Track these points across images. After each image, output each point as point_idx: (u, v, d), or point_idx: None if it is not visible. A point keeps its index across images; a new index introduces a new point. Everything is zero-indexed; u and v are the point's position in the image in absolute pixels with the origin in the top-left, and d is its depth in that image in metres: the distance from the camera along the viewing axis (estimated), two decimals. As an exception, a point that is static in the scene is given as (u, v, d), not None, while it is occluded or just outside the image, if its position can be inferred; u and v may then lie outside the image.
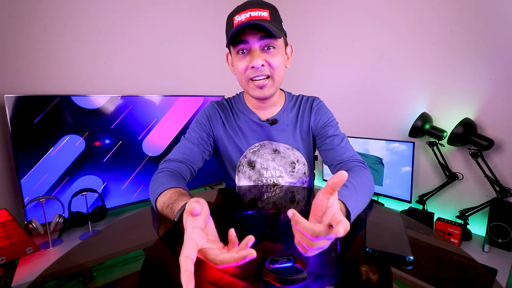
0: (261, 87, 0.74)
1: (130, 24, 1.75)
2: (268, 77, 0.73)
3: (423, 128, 1.46)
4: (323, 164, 2.04)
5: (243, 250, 0.36)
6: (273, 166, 0.84)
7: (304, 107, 0.86)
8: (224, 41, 0.73)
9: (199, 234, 0.38)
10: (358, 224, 0.56)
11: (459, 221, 1.39)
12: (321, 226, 0.37)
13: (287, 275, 0.39)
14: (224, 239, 0.42)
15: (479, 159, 1.30)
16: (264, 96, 0.75)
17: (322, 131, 0.82)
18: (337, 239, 0.45)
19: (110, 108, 1.56)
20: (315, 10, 2.07)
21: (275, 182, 0.84)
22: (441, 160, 1.44)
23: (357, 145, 1.73)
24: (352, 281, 0.41)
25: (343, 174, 0.38)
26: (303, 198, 0.76)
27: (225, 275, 0.42)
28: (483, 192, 1.37)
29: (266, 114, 0.85)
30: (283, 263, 0.42)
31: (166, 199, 0.59)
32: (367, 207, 0.62)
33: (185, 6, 1.99)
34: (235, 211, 0.68)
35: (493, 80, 1.30)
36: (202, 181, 1.98)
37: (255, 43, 0.69)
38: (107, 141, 1.56)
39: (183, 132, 1.71)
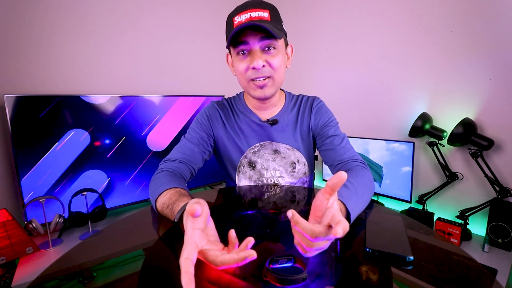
0: (261, 87, 0.73)
1: (130, 24, 1.75)
2: (268, 78, 0.73)
3: (423, 128, 1.46)
4: (323, 164, 2.04)
5: (243, 252, 0.36)
6: (273, 167, 0.84)
7: (304, 107, 0.86)
8: (224, 41, 0.73)
9: (199, 235, 0.39)
10: (358, 224, 0.56)
11: (459, 221, 1.39)
12: (321, 227, 0.37)
13: (287, 275, 0.39)
14: (224, 239, 0.42)
15: (479, 159, 1.30)
16: (264, 96, 0.75)
17: (322, 131, 0.82)
18: (337, 239, 0.45)
19: (110, 108, 1.56)
20: (315, 10, 2.07)
21: (276, 182, 0.84)
22: (441, 160, 1.44)
23: (357, 145, 1.73)
24: (352, 281, 0.41)
25: (342, 175, 0.38)
26: (304, 198, 0.76)
27: (225, 275, 0.42)
28: (483, 192, 1.37)
29: (266, 114, 0.85)
30: (283, 263, 0.42)
31: (166, 199, 0.59)
32: (367, 207, 0.62)
33: (185, 6, 1.99)
34: (235, 211, 0.68)
35: (493, 80, 1.30)
36: (202, 181, 1.98)
37: (255, 44, 0.68)
38: (107, 141, 1.56)
39: (183, 132, 1.71)
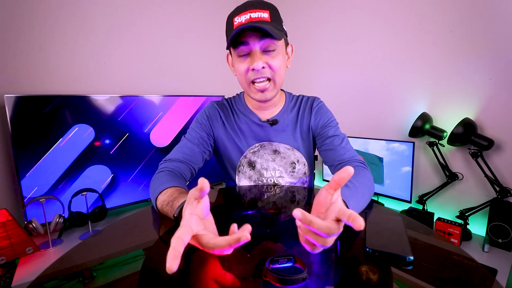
0: (262, 91, 0.73)
1: (130, 24, 1.75)
2: (269, 79, 0.73)
3: (423, 128, 1.46)
4: (323, 164, 2.04)
5: (237, 233, 0.35)
6: (273, 167, 0.84)
7: (304, 107, 0.86)
8: (224, 41, 0.73)
9: (196, 221, 0.38)
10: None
11: (459, 221, 1.39)
12: (334, 223, 0.36)
13: (287, 275, 0.39)
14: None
15: (479, 159, 1.30)
16: (265, 99, 0.75)
17: (322, 131, 0.82)
18: (337, 239, 0.45)
19: (110, 108, 1.56)
20: (315, 10, 2.07)
21: (276, 182, 0.84)
22: (441, 160, 1.44)
23: (357, 145, 1.73)
24: (352, 281, 0.41)
25: (349, 170, 0.38)
26: (303, 198, 0.76)
27: (225, 275, 0.42)
28: (483, 192, 1.37)
29: (266, 114, 0.85)
30: (283, 263, 0.42)
31: (166, 197, 0.59)
32: (367, 207, 0.62)
33: (186, 6, 1.99)
34: (235, 211, 0.68)
35: (493, 80, 1.30)
36: (202, 181, 1.98)
37: (255, 45, 0.68)
38: (107, 141, 1.56)
39: (183, 132, 1.71)
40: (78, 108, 1.46)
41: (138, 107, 1.66)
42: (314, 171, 0.96)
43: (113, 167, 1.60)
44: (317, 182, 2.16)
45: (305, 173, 0.86)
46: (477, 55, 1.34)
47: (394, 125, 1.71)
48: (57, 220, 1.32)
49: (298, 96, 0.90)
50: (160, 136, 1.77)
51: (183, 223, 0.37)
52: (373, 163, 1.67)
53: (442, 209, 1.53)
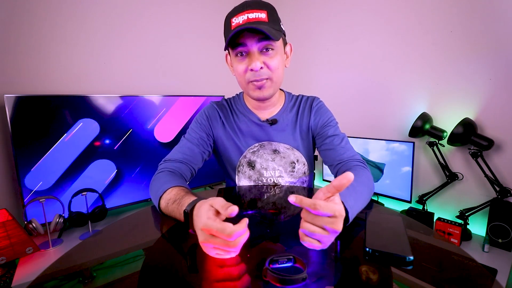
0: (260, 88, 0.74)
1: (130, 24, 1.75)
2: (267, 79, 0.73)
3: (423, 128, 1.46)
4: (323, 164, 2.04)
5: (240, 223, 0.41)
6: (272, 166, 0.84)
7: (303, 107, 0.86)
8: (224, 41, 0.73)
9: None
10: (358, 225, 0.56)
11: (459, 221, 1.39)
12: (322, 201, 0.41)
13: (287, 275, 0.39)
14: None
15: (479, 159, 1.30)
16: (263, 97, 0.75)
17: (322, 131, 0.82)
18: (336, 239, 0.45)
19: (110, 107, 1.56)
20: (315, 10, 2.07)
21: (275, 182, 0.84)
22: (441, 160, 1.44)
23: (357, 145, 1.73)
24: (352, 281, 0.41)
25: (349, 176, 0.40)
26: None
27: (225, 275, 0.42)
28: (483, 192, 1.37)
29: (265, 114, 0.85)
30: (283, 263, 0.42)
31: (172, 195, 0.59)
32: (366, 207, 0.62)
33: (185, 6, 1.99)
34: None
35: (493, 80, 1.30)
36: (202, 181, 1.98)
37: (253, 46, 0.68)
38: (107, 141, 1.57)
39: (183, 132, 1.72)
40: (78, 108, 1.46)
41: (138, 107, 1.66)
42: (314, 171, 0.96)
43: (117, 163, 1.61)
44: (317, 182, 2.16)
45: (304, 172, 0.86)
46: (477, 55, 1.34)
47: (394, 125, 1.71)
48: (57, 220, 1.32)
49: (298, 96, 0.90)
50: (162, 134, 1.77)
51: (205, 220, 0.43)
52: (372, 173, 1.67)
53: (442, 209, 1.53)
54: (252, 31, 0.66)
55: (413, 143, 1.48)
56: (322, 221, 0.41)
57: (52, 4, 1.47)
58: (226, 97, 0.92)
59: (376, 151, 1.66)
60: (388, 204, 1.70)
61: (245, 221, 0.41)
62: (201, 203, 0.47)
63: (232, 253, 0.42)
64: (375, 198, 1.75)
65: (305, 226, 0.43)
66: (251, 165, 0.84)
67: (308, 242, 0.43)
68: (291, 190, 0.81)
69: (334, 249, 0.48)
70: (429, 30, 1.49)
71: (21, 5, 1.39)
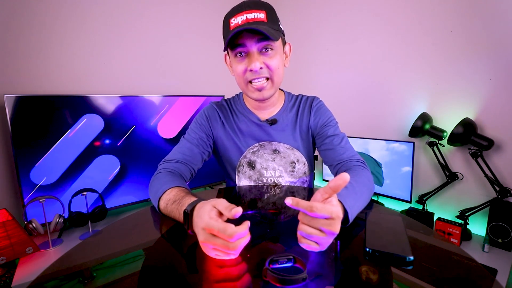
0: (260, 89, 0.73)
1: (130, 24, 1.75)
2: (267, 79, 0.73)
3: (423, 128, 1.46)
4: (323, 164, 2.04)
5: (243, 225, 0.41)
6: (273, 166, 0.84)
7: (303, 106, 0.86)
8: (223, 42, 0.73)
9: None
10: (358, 225, 0.56)
11: (459, 221, 1.38)
12: (319, 202, 0.42)
13: (287, 275, 0.39)
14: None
15: (479, 159, 1.30)
16: (263, 98, 0.75)
17: (321, 131, 0.82)
18: (336, 239, 0.45)
19: (110, 107, 1.56)
20: (315, 10, 2.07)
21: (276, 182, 0.84)
22: (441, 160, 1.44)
23: (357, 145, 1.73)
24: (352, 281, 0.41)
25: (345, 177, 0.40)
26: (303, 198, 0.75)
27: (225, 275, 0.42)
28: (483, 192, 1.37)
29: (265, 114, 0.85)
30: (283, 263, 0.42)
31: (172, 196, 0.59)
32: (366, 207, 0.62)
33: (185, 6, 1.99)
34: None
35: (493, 80, 1.30)
36: (202, 181, 1.98)
37: (252, 46, 0.68)
38: (107, 141, 1.57)
39: (182, 132, 1.72)
40: (78, 108, 1.46)
41: (138, 107, 1.66)
42: (314, 171, 0.96)
43: (121, 158, 1.63)
44: (317, 182, 2.16)
45: (305, 172, 0.86)
46: (477, 55, 1.34)
47: (394, 125, 1.71)
48: (57, 220, 1.32)
49: (298, 96, 0.90)
50: (161, 133, 1.77)
51: (208, 220, 0.43)
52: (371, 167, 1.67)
53: (442, 209, 1.53)
54: (251, 31, 0.66)
55: (413, 143, 1.48)
56: (319, 223, 0.41)
57: (52, 4, 1.47)
58: (225, 98, 0.92)
59: (376, 151, 1.66)
60: (388, 204, 1.70)
61: (246, 224, 0.41)
62: (202, 203, 0.47)
63: (232, 255, 0.42)
64: (375, 198, 1.75)
65: (302, 228, 0.43)
66: (251, 165, 0.84)
67: (306, 244, 0.43)
68: (291, 190, 0.81)
69: (334, 249, 0.48)
70: (429, 30, 1.49)
71: (21, 5, 1.39)
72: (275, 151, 0.84)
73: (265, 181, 0.84)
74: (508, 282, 1.10)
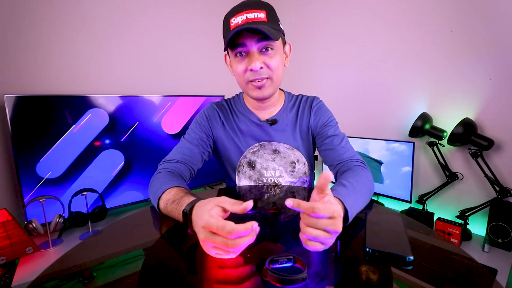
0: (259, 87, 0.74)
1: (130, 24, 1.75)
2: (267, 78, 0.73)
3: (423, 128, 1.46)
4: (323, 164, 2.04)
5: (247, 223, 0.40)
6: (273, 166, 0.84)
7: (303, 106, 0.86)
8: (223, 42, 0.73)
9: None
10: (358, 225, 0.56)
11: (459, 221, 1.39)
12: (319, 203, 0.42)
13: (287, 275, 0.39)
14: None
15: (479, 159, 1.30)
16: (263, 96, 0.75)
17: (321, 131, 0.82)
18: (337, 239, 0.45)
19: (110, 107, 1.56)
20: (315, 10, 2.07)
21: (276, 182, 0.84)
22: (441, 160, 1.44)
23: (357, 145, 1.73)
24: (352, 281, 0.41)
25: (326, 174, 0.42)
26: (303, 198, 0.76)
27: (225, 276, 0.42)
28: (483, 192, 1.37)
29: (265, 114, 0.85)
30: (283, 263, 0.42)
31: (171, 196, 0.59)
32: (366, 207, 0.62)
33: (185, 6, 1.99)
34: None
35: (493, 80, 1.30)
36: (202, 181, 1.98)
37: (252, 46, 0.68)
38: (108, 141, 1.57)
39: (182, 132, 1.72)
40: (77, 108, 1.46)
41: (138, 107, 1.66)
42: (314, 171, 0.96)
43: (125, 154, 1.64)
44: (317, 182, 2.16)
45: (305, 172, 0.86)
46: (477, 55, 1.34)
47: (394, 125, 1.71)
48: (57, 220, 1.32)
49: (298, 96, 0.90)
50: (162, 131, 1.77)
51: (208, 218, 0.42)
52: (371, 167, 1.67)
53: (442, 209, 1.53)
54: (252, 31, 0.66)
55: (413, 143, 1.48)
56: (324, 224, 0.41)
57: (52, 4, 1.47)
58: (226, 98, 0.92)
59: (376, 151, 1.66)
60: (388, 204, 1.70)
61: (250, 224, 0.40)
62: (202, 202, 0.47)
63: (232, 254, 0.42)
64: (375, 198, 1.75)
65: (308, 231, 0.42)
66: (251, 165, 0.84)
67: (312, 247, 0.43)
68: (291, 190, 0.81)
69: (334, 249, 0.48)
70: (429, 30, 1.49)
71: (21, 5, 1.39)
72: (275, 151, 0.84)
73: (265, 181, 0.84)
74: (508, 282, 1.10)
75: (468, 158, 1.40)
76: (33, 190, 1.36)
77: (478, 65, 1.34)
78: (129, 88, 1.77)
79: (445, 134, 1.41)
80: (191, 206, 0.50)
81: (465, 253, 0.48)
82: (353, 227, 0.55)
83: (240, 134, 0.84)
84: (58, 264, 0.47)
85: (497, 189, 1.27)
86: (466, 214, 1.37)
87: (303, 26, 2.15)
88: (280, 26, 0.73)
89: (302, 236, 0.44)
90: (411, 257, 0.43)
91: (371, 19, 1.74)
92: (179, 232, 0.56)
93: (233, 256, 0.42)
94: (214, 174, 2.00)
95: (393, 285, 0.40)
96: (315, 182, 2.21)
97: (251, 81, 0.73)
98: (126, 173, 1.65)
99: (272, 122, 0.83)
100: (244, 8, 0.67)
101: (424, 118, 1.46)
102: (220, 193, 0.83)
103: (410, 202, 1.52)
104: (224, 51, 0.75)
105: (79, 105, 1.46)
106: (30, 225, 1.25)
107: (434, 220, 1.42)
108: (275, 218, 0.63)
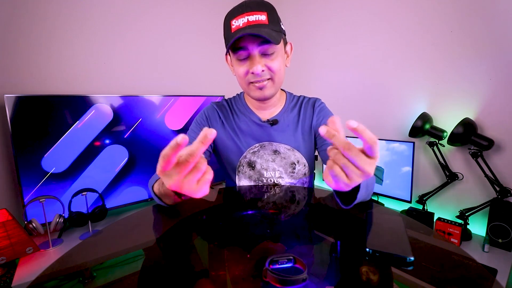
0: (261, 88, 0.73)
1: (130, 24, 1.75)
2: (269, 79, 0.73)
3: (423, 128, 1.46)
4: (323, 164, 2.04)
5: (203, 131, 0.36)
6: (273, 167, 0.84)
7: (305, 107, 0.86)
8: (223, 42, 0.73)
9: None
10: (358, 225, 0.56)
11: (459, 221, 1.38)
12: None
13: (287, 275, 0.39)
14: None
15: (479, 159, 1.30)
16: (264, 97, 0.75)
17: (323, 131, 0.82)
18: (337, 239, 0.45)
19: (110, 108, 1.56)
20: (315, 10, 2.07)
21: (275, 182, 0.84)
22: (441, 160, 1.44)
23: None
24: (352, 281, 0.41)
25: (334, 119, 0.40)
26: (303, 198, 0.76)
27: (225, 276, 0.42)
28: (483, 192, 1.37)
29: (266, 114, 0.85)
30: (283, 264, 0.42)
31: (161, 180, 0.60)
32: (366, 207, 0.62)
33: (185, 5, 1.99)
34: (235, 211, 0.68)
35: (493, 80, 1.30)
36: (202, 181, 1.98)
37: (254, 49, 0.68)
38: (107, 141, 1.56)
39: (186, 128, 1.72)
40: (77, 108, 1.46)
41: (138, 107, 1.66)
42: (314, 171, 0.96)
43: (129, 150, 1.66)
44: (317, 182, 2.16)
45: (305, 174, 0.86)
46: (477, 55, 1.33)
47: (394, 125, 1.71)
48: (57, 220, 1.32)
49: (299, 97, 0.90)
50: (161, 131, 1.77)
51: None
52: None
53: (442, 209, 1.53)
54: (253, 34, 0.66)
55: (413, 143, 1.48)
56: (360, 158, 0.39)
57: (52, 4, 1.47)
58: (226, 97, 0.92)
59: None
60: (388, 204, 1.70)
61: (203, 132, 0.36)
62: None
63: (192, 163, 0.37)
64: (375, 198, 1.75)
65: (338, 157, 0.39)
66: (251, 165, 0.84)
67: (336, 173, 0.39)
68: (291, 189, 0.81)
69: (334, 249, 0.48)
70: (429, 30, 1.49)
71: (21, 5, 1.39)
72: (276, 151, 0.84)
73: (265, 181, 0.84)
74: (508, 282, 1.10)
75: (468, 158, 1.40)
76: (37, 186, 1.36)
77: (478, 65, 1.34)
78: (129, 88, 1.77)
79: (445, 134, 1.41)
80: None
81: (465, 253, 0.48)
82: (353, 227, 0.55)
83: (241, 133, 0.84)
84: (58, 264, 0.47)
85: (497, 189, 1.27)
86: (466, 214, 1.37)
87: (303, 26, 2.15)
88: (281, 26, 0.73)
89: (328, 161, 0.41)
90: (412, 258, 0.43)
91: (371, 19, 1.74)
92: (179, 232, 0.56)
93: (202, 172, 0.40)
94: (214, 174, 1.98)
95: (393, 285, 0.40)
96: (315, 182, 2.19)
97: (252, 83, 0.73)
98: (130, 169, 1.65)
99: (273, 122, 0.83)
100: (245, 9, 0.66)
101: (424, 118, 1.46)
102: (220, 193, 0.83)
103: (410, 202, 1.52)
104: (226, 54, 0.75)
105: (79, 105, 1.47)
106: (30, 225, 1.25)
107: (434, 220, 1.42)
108: (276, 218, 0.63)
